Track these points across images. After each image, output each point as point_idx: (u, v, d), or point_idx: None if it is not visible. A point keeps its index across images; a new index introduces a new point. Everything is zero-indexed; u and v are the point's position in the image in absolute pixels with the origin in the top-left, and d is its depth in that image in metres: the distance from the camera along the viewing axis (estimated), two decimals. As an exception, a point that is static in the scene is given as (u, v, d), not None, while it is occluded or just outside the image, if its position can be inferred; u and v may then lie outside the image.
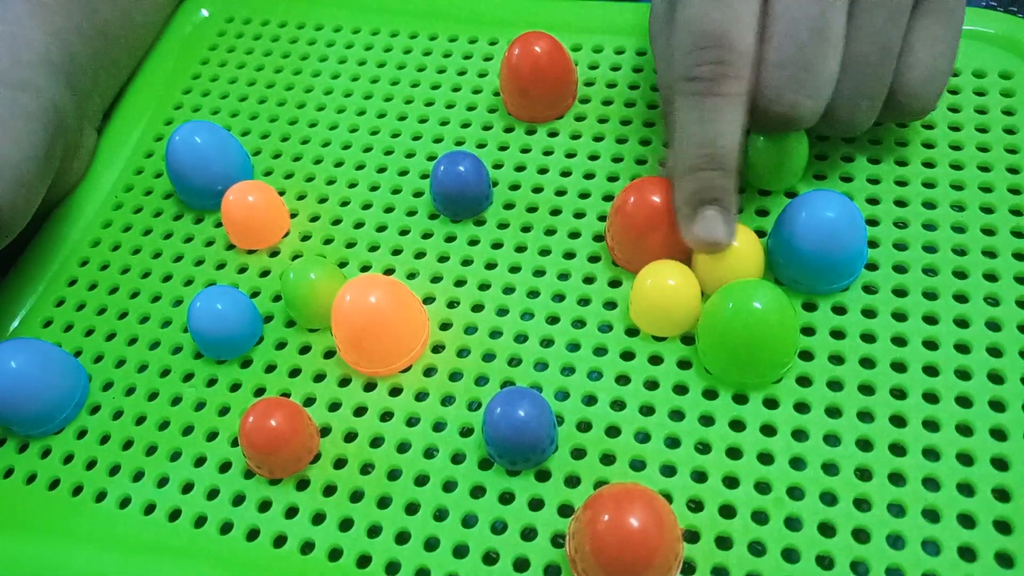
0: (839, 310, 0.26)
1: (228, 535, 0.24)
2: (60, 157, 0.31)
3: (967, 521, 0.22)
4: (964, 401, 0.24)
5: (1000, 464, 0.23)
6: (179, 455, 0.26)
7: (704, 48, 0.24)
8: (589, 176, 0.30)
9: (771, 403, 0.24)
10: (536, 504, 0.24)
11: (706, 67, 0.24)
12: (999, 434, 0.23)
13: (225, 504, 0.25)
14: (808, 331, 0.25)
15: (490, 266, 0.29)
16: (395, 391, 0.26)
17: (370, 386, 0.26)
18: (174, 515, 0.25)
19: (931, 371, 0.24)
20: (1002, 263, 0.26)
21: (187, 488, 0.25)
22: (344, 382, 0.27)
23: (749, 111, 0.25)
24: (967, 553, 0.22)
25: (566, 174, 0.30)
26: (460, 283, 0.28)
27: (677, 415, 0.25)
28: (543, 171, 0.30)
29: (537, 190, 0.30)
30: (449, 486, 0.24)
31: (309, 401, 0.26)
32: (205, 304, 0.27)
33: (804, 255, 0.25)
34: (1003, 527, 0.22)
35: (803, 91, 0.24)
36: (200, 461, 0.26)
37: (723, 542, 0.23)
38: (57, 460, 0.27)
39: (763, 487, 0.23)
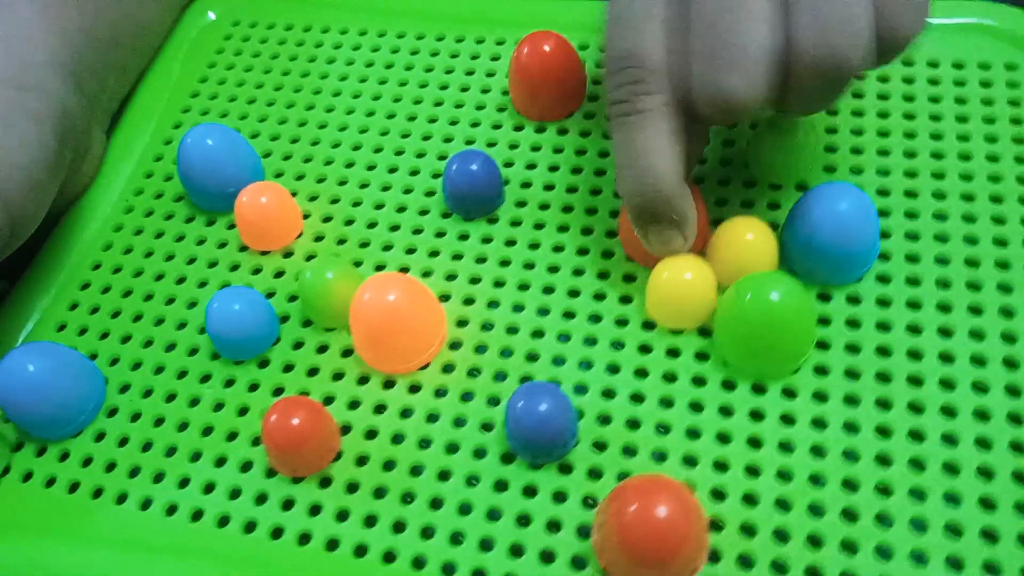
0: (854, 300, 0.26)
1: (252, 534, 0.25)
2: (70, 160, 0.31)
3: (988, 505, 0.22)
4: (981, 387, 0.24)
5: (1018, 448, 0.23)
6: (200, 456, 0.26)
7: (618, 71, 0.24)
8: (600, 173, 0.30)
9: (790, 393, 0.25)
10: (560, 497, 0.24)
11: (623, 88, 0.24)
12: (1016, 419, 0.23)
13: (248, 503, 0.25)
14: (824, 321, 0.26)
15: (504, 263, 0.29)
16: (414, 388, 0.26)
17: (389, 384, 0.27)
18: (196, 515, 0.25)
19: (947, 358, 0.25)
20: (1014, 251, 0.26)
21: (209, 488, 0.25)
22: (363, 380, 0.27)
23: (685, 116, 0.24)
24: (989, 536, 0.22)
25: (577, 171, 0.30)
26: (475, 280, 0.28)
27: (696, 407, 0.25)
28: (554, 168, 0.31)
29: (549, 187, 0.30)
30: (472, 481, 0.24)
31: (328, 400, 0.26)
32: (222, 305, 0.27)
33: (819, 247, 0.25)
34: (1023, 509, 0.22)
35: (731, 72, 0.22)
36: (221, 461, 0.26)
37: (747, 530, 0.23)
38: (76, 463, 0.27)
39: (785, 475, 0.23)
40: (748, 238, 0.26)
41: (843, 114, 0.30)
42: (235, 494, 0.25)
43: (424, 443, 0.25)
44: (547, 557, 0.23)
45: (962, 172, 0.28)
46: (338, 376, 0.27)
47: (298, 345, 0.28)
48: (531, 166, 0.31)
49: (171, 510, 0.25)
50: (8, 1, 0.31)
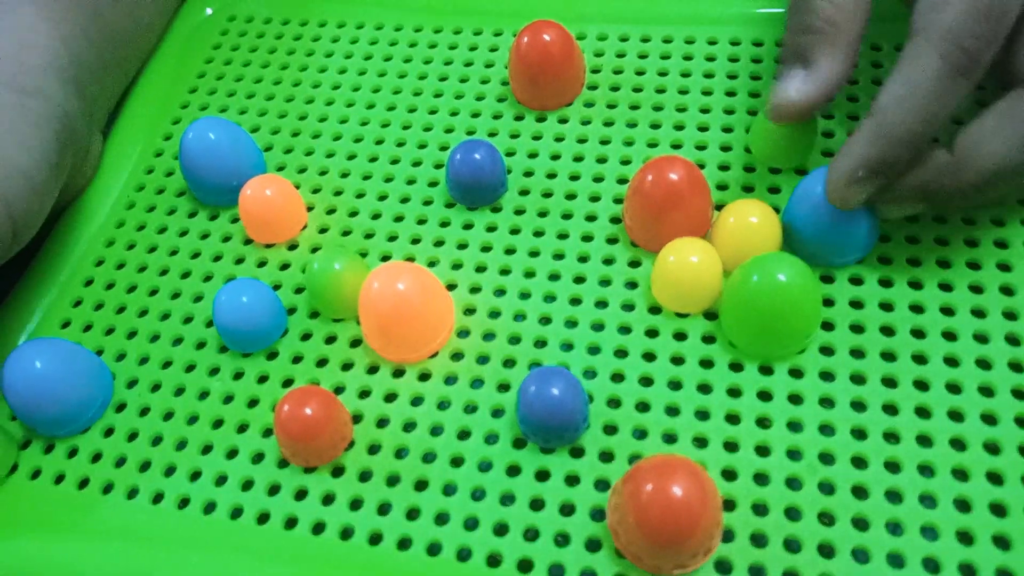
0: (856, 281, 0.26)
1: (265, 525, 0.25)
2: (70, 162, 0.31)
3: (996, 479, 0.23)
4: (984, 364, 0.24)
5: (1023, 423, 0.23)
6: (211, 448, 0.26)
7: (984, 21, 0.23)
8: (602, 160, 0.30)
9: (797, 373, 0.25)
10: (572, 480, 0.24)
11: (977, 41, 0.23)
12: (1020, 394, 0.24)
13: (261, 494, 0.25)
14: (828, 302, 0.26)
15: (509, 251, 0.29)
16: (424, 376, 0.26)
17: (399, 372, 0.27)
18: (209, 508, 0.25)
19: (950, 336, 0.25)
20: (1012, 231, 0.27)
21: (221, 480, 0.25)
22: (372, 370, 0.27)
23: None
24: (998, 510, 0.22)
25: (579, 159, 0.31)
26: (481, 269, 0.29)
27: (705, 388, 0.25)
28: (556, 157, 0.31)
29: (551, 175, 0.30)
30: (484, 466, 0.25)
31: (339, 390, 0.27)
32: (230, 297, 0.27)
33: (821, 228, 0.26)
34: (1029, 482, 0.23)
35: None
36: (232, 453, 0.26)
37: (759, 509, 0.23)
38: (85, 459, 0.27)
39: (795, 454, 0.24)
40: (752, 221, 0.26)
41: (838, 99, 0.30)
42: (248, 485, 0.25)
43: (436, 430, 0.25)
44: (561, 540, 0.23)
45: (960, 153, 0.28)
46: (347, 366, 0.27)
47: (306, 336, 0.28)
48: (533, 155, 0.31)
49: (183, 503, 0.25)
50: (8, 4, 0.31)
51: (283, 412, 0.24)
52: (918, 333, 0.25)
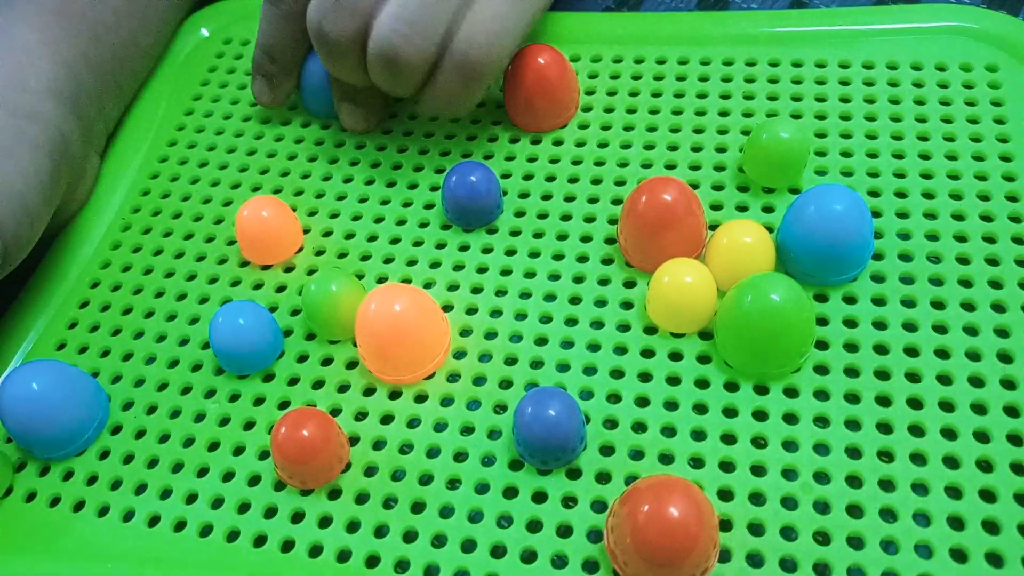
0: (850, 300, 0.27)
1: (262, 548, 0.25)
2: (65, 185, 0.31)
3: (989, 496, 0.23)
4: (977, 382, 0.25)
5: (1015, 440, 0.24)
6: (207, 471, 0.26)
7: None
8: (596, 182, 0.31)
9: (792, 392, 0.25)
10: (570, 501, 0.24)
11: None
12: (1012, 412, 0.24)
13: (257, 517, 0.25)
14: (822, 321, 0.26)
15: (505, 272, 0.29)
16: (421, 398, 0.27)
17: (395, 394, 0.27)
18: (206, 531, 0.25)
19: (943, 354, 0.25)
20: (1002, 247, 0.27)
21: (217, 503, 0.25)
22: (369, 391, 0.27)
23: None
24: (991, 527, 0.22)
25: (573, 180, 0.31)
26: (477, 290, 0.29)
27: (701, 408, 0.25)
28: (551, 179, 0.31)
29: (546, 197, 0.31)
30: (481, 488, 0.25)
31: (335, 411, 0.27)
32: (227, 319, 0.27)
33: (815, 248, 0.26)
34: (1022, 500, 0.23)
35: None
36: (228, 476, 0.26)
37: (755, 529, 0.23)
38: (80, 481, 0.27)
39: (790, 474, 0.24)
40: (746, 241, 0.26)
41: (831, 118, 0.31)
42: (244, 508, 0.25)
43: (432, 452, 0.25)
44: (559, 562, 0.23)
45: (949, 171, 0.29)
46: (344, 388, 0.27)
47: (303, 358, 0.28)
48: (528, 176, 0.31)
49: (179, 526, 0.25)
50: (8, 27, 0.31)
51: (280, 434, 0.24)
52: (911, 351, 0.25)
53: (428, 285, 0.29)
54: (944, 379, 0.25)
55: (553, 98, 0.31)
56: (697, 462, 0.24)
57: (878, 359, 0.25)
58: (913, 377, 0.25)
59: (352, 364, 0.27)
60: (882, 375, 0.25)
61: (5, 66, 0.30)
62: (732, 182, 0.30)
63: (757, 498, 0.24)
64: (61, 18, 0.32)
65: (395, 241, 0.30)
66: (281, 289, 0.30)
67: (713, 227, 0.29)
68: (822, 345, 0.26)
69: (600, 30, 0.35)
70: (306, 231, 0.31)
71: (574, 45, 0.34)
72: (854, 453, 0.24)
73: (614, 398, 0.26)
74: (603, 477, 0.24)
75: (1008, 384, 0.24)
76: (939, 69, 0.31)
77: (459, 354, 0.27)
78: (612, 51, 0.34)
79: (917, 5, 0.33)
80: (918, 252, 0.27)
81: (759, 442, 0.24)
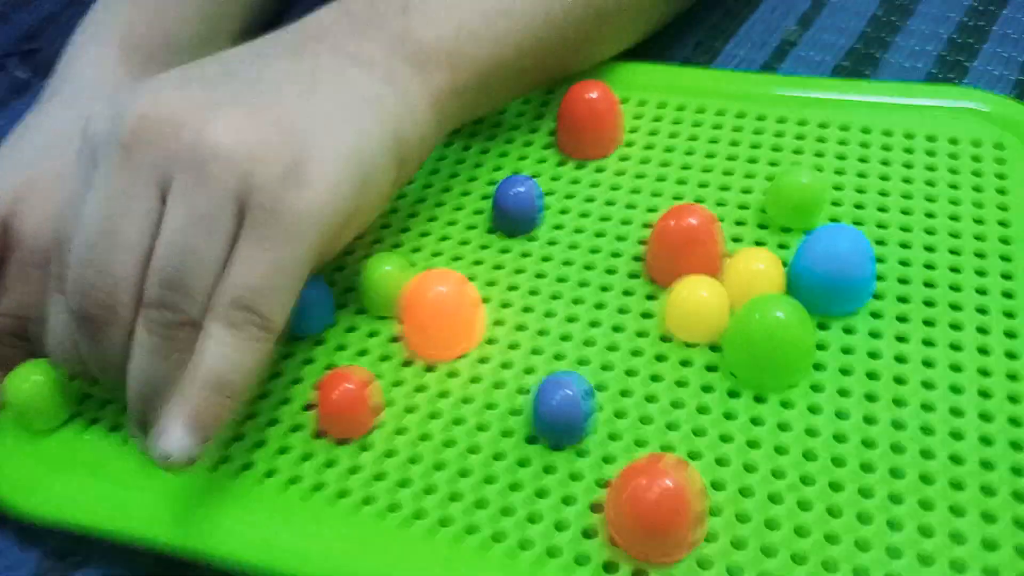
0: (848, 330, 0.29)
1: (293, 487, 0.27)
2: None
3: (957, 512, 0.25)
4: (956, 412, 0.27)
5: (986, 465, 0.26)
6: (254, 416, 0.29)
7: None
8: (631, 206, 0.34)
9: (787, 404, 0.28)
10: (576, 476, 0.27)
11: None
12: (986, 440, 0.26)
13: (295, 460, 0.28)
14: (821, 347, 0.29)
15: (540, 276, 0.32)
16: (453, 374, 0.30)
17: (430, 368, 0.30)
18: (246, 467, 0.28)
19: (928, 385, 0.28)
20: (992, 300, 0.30)
21: (258, 444, 0.28)
22: (407, 364, 0.30)
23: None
24: (956, 538, 0.25)
25: (610, 203, 0.34)
26: (512, 288, 0.32)
27: (703, 409, 0.28)
28: (590, 200, 0.34)
29: (584, 215, 0.34)
30: (498, 456, 0.27)
31: (375, 377, 0.30)
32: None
33: (821, 280, 0.29)
34: (989, 518, 0.25)
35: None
36: (272, 422, 0.29)
37: (742, 517, 0.25)
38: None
39: (778, 473, 0.26)
40: (759, 267, 0.29)
41: (849, 175, 0.34)
42: (283, 451, 0.28)
43: (458, 421, 0.28)
44: (560, 526, 0.26)
45: (951, 230, 0.32)
46: (385, 358, 0.30)
47: (351, 329, 0.31)
48: (570, 196, 0.35)
49: (223, 460, 0.28)
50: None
51: (325, 384, 0.27)
52: (899, 380, 0.28)
53: (470, 279, 0.32)
54: (927, 406, 0.27)
55: (600, 129, 0.35)
56: (694, 455, 0.27)
57: (868, 383, 0.28)
58: (898, 402, 0.27)
59: (395, 339, 0.31)
60: (870, 398, 0.28)
61: None
62: (754, 219, 0.33)
63: (746, 491, 0.26)
64: None
65: (444, 239, 0.34)
66: (338, 269, 0.33)
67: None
68: (819, 367, 0.28)
69: (647, 78, 0.39)
70: (367, 224, 0.35)
71: (624, 88, 0.38)
72: (838, 462, 0.26)
73: (626, 393, 0.29)
74: (608, 459, 0.27)
75: (985, 417, 0.27)
76: (951, 142, 0.34)
77: (491, 341, 0.30)
78: (658, 97, 0.38)
79: (941, 85, 0.37)
80: (915, 296, 0.30)
81: (753, 444, 0.27)
